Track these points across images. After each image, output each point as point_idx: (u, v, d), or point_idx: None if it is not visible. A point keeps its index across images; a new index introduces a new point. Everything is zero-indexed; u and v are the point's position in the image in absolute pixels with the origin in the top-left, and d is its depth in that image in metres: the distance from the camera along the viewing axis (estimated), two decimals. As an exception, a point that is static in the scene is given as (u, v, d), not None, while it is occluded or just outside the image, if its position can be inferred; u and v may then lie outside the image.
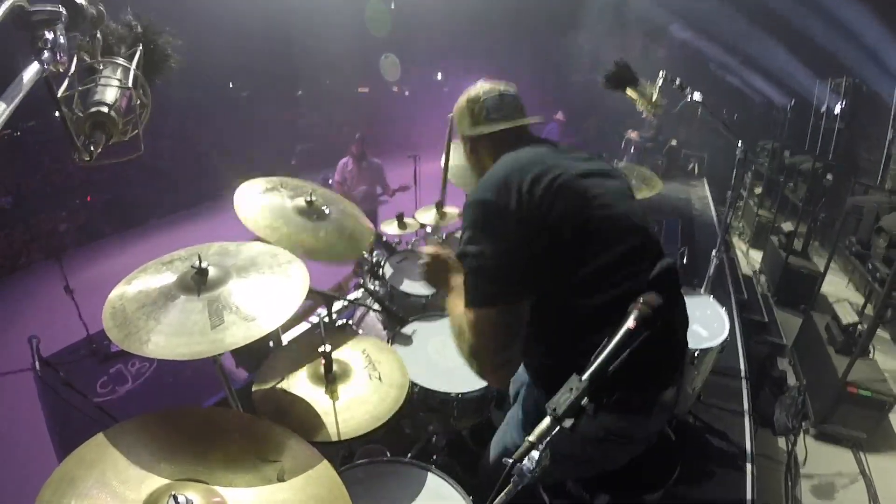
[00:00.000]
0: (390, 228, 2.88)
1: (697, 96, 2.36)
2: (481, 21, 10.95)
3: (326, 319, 2.00)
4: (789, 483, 2.68)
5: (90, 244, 6.83)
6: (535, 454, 0.74)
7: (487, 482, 1.44)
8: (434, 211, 2.83)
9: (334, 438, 1.33)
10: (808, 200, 5.33)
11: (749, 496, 2.19)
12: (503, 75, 1.44)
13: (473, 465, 1.58)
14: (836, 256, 4.97)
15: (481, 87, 1.35)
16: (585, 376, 0.79)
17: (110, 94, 0.81)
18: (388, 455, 1.71)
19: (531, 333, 1.16)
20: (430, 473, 1.37)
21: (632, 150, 8.71)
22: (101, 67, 0.83)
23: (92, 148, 0.77)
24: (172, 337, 1.08)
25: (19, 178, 6.46)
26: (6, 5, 0.58)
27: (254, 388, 1.47)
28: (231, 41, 7.73)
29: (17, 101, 0.59)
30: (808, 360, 3.59)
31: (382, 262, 2.50)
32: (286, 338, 2.35)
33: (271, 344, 2.10)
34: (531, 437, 0.75)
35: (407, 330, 1.96)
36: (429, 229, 2.90)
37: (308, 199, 1.76)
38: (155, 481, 0.90)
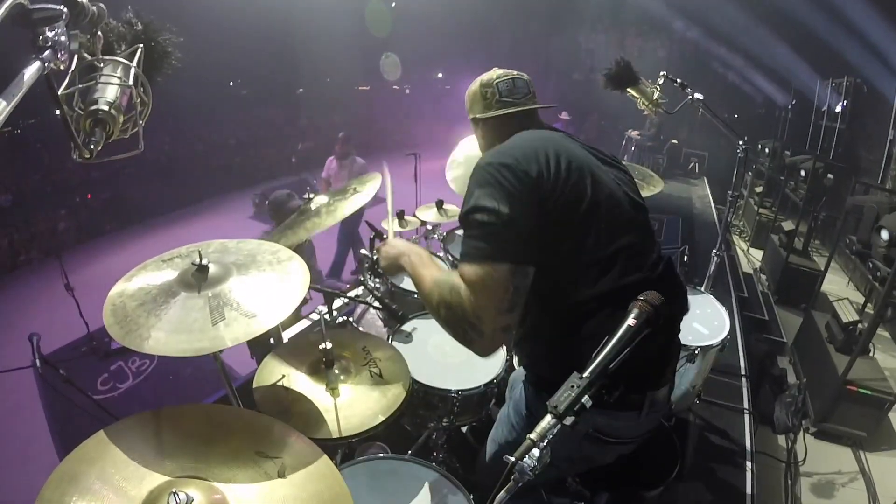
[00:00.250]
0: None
1: (698, 95, 2.36)
2: (481, 21, 10.93)
3: (327, 317, 2.00)
4: (789, 481, 2.68)
5: (90, 242, 6.84)
6: (536, 452, 0.74)
7: (484, 480, 1.44)
8: (434, 208, 2.86)
9: (335, 435, 1.32)
10: (808, 200, 5.33)
11: (749, 494, 2.19)
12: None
13: (474, 462, 1.58)
14: (837, 255, 4.97)
15: (494, 72, 1.36)
16: (586, 374, 0.79)
17: (111, 91, 0.80)
18: (389, 452, 1.71)
19: (530, 324, 1.16)
20: (430, 471, 1.37)
21: (632, 149, 8.73)
22: (102, 65, 0.82)
23: (92, 146, 0.76)
24: (173, 334, 1.08)
25: (20, 176, 6.46)
26: (7, 3, 0.58)
27: (254, 385, 1.47)
28: (232, 40, 7.72)
29: (17, 98, 0.59)
30: (809, 359, 3.59)
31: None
32: (287, 335, 2.35)
33: (272, 341, 2.10)
34: (532, 436, 0.75)
35: (406, 327, 1.96)
36: (429, 226, 2.91)
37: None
38: (156, 478, 0.90)
